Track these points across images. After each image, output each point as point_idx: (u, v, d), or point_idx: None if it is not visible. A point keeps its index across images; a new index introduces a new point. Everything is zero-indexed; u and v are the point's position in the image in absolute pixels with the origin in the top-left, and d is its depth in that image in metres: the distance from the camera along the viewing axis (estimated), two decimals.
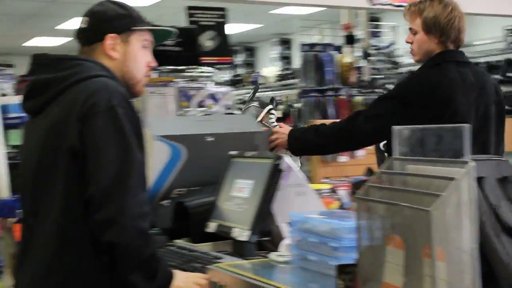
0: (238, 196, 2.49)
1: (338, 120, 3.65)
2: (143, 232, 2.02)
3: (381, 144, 3.72)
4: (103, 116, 2.03)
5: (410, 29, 3.33)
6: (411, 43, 3.35)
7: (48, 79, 2.19)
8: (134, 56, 2.30)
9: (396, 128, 1.76)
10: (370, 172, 2.82)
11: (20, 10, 10.85)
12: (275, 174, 2.39)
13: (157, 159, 2.81)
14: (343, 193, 3.22)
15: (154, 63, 2.37)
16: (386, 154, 3.68)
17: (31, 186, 2.17)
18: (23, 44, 14.70)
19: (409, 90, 3.28)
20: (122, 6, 2.31)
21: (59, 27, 12.14)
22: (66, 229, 2.07)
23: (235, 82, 10.33)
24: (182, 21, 6.86)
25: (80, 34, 2.30)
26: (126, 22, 2.29)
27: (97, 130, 2.03)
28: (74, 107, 2.06)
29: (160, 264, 2.07)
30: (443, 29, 3.26)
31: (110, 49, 2.25)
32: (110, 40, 2.25)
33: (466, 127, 1.53)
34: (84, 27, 2.28)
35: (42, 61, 2.25)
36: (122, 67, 2.28)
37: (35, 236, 2.13)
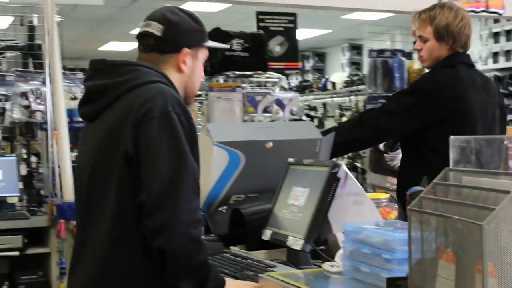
0: (294, 204, 2.46)
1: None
2: (194, 239, 2.01)
3: (381, 145, 3.83)
4: (158, 122, 2.04)
5: (420, 36, 3.48)
6: (420, 50, 3.49)
7: (105, 85, 2.20)
8: (198, 70, 2.35)
9: (452, 137, 1.70)
10: (427, 181, 2.75)
11: (96, 15, 11.07)
12: (332, 182, 2.35)
13: (215, 165, 2.81)
14: None
15: (203, 75, 2.43)
16: (386, 155, 3.70)
17: (85, 191, 2.19)
18: (99, 49, 15.01)
19: (424, 88, 3.39)
20: (195, 19, 2.33)
21: (133, 32, 12.36)
22: (119, 234, 2.08)
23: (303, 88, 10.28)
24: (252, 27, 6.89)
25: (150, 40, 2.27)
26: (200, 37, 2.33)
27: (151, 136, 2.03)
28: (129, 112, 2.07)
29: (211, 272, 2.06)
30: (455, 36, 3.39)
31: (182, 62, 2.28)
32: (184, 53, 2.27)
33: None
34: (157, 34, 2.25)
35: (99, 66, 2.26)
36: (188, 81, 2.32)
37: (89, 240, 2.15)
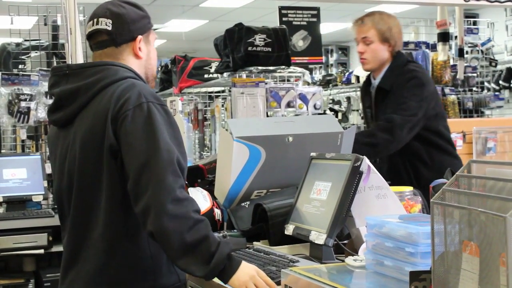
0: (317, 199, 2.44)
1: None
2: (177, 216, 2.02)
3: None
4: (132, 112, 2.11)
5: (363, 38, 3.88)
6: (363, 52, 3.90)
7: (77, 88, 2.25)
8: (154, 54, 2.43)
9: (475, 128, 1.67)
10: (451, 173, 2.71)
11: None
12: (354, 176, 2.32)
13: (236, 161, 2.80)
14: None
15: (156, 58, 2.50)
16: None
17: (76, 191, 2.23)
18: None
19: (428, 84, 3.83)
20: (138, 6, 2.40)
21: (157, 29, 12.41)
22: (118, 227, 2.16)
23: (327, 82, 10.23)
24: (275, 22, 6.87)
25: (103, 36, 2.33)
26: (147, 22, 2.40)
27: (127, 126, 2.11)
28: (107, 110, 2.14)
29: (218, 250, 2.05)
30: (396, 38, 3.87)
31: (138, 49, 2.35)
32: (138, 41, 2.35)
33: None
34: (109, 29, 2.31)
35: (63, 72, 2.30)
36: (146, 65, 2.40)
37: (87, 236, 2.20)
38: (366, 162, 2.36)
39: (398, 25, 3.96)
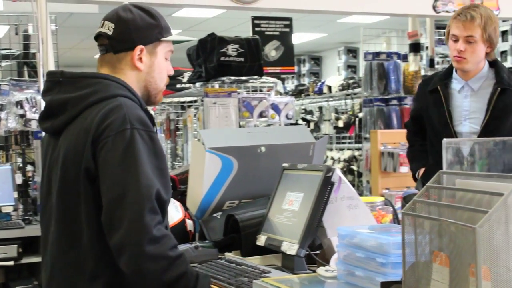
0: (289, 209, 2.44)
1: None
2: (153, 257, 1.93)
3: None
4: (113, 139, 1.98)
5: (468, 37, 3.52)
6: (464, 51, 3.55)
7: (65, 100, 2.14)
8: (159, 67, 2.25)
9: (445, 140, 1.69)
10: (422, 184, 2.74)
11: (91, 23, 11.00)
12: (326, 186, 2.33)
13: (208, 171, 2.79)
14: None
15: (172, 72, 2.32)
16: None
17: (57, 206, 2.12)
18: (95, 56, 14.96)
19: None
20: (151, 14, 2.23)
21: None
22: (98, 253, 2.04)
23: (299, 92, 10.27)
24: (248, 32, 6.88)
25: (105, 41, 2.20)
26: (155, 33, 2.22)
27: (106, 154, 1.98)
28: (89, 130, 2.02)
29: (198, 282, 2.02)
30: (497, 39, 3.61)
31: (137, 60, 2.19)
32: (138, 51, 2.19)
33: None
34: (109, 34, 2.18)
35: (57, 79, 2.19)
36: (147, 78, 2.23)
37: (62, 260, 2.11)
38: (337, 173, 2.37)
39: (498, 25, 3.68)
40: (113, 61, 2.20)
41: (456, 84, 3.70)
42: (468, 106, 3.65)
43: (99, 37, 2.23)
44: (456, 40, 3.55)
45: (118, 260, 1.95)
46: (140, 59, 2.20)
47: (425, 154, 3.79)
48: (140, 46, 2.19)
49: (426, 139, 3.84)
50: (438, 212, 1.54)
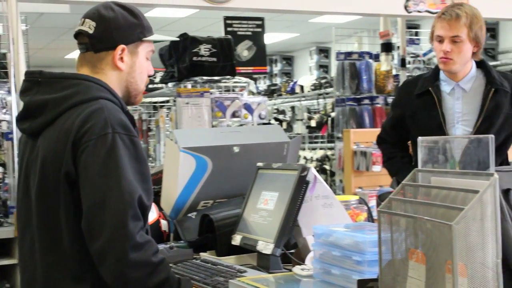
0: (264, 209, 2.44)
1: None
2: (137, 264, 1.90)
3: None
4: (94, 144, 1.94)
5: (454, 37, 3.35)
6: (450, 52, 3.39)
7: (44, 101, 2.08)
8: (140, 67, 2.21)
9: (420, 138, 1.69)
10: (397, 183, 2.75)
11: (62, 23, 10.97)
12: (301, 185, 2.33)
13: (182, 171, 2.78)
14: (375, 203, 3.17)
15: (152, 72, 2.28)
16: None
17: (36, 215, 2.07)
18: (66, 57, 14.89)
19: None
20: (133, 13, 2.18)
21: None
22: (79, 256, 2.00)
23: (271, 92, 10.29)
24: (220, 32, 6.87)
25: (85, 39, 2.15)
26: (137, 32, 2.17)
27: (87, 159, 1.94)
28: (69, 133, 1.97)
29: (181, 287, 2.00)
30: (484, 39, 3.43)
31: (118, 59, 2.15)
32: (120, 51, 2.14)
33: (491, 138, 1.47)
34: (89, 32, 2.13)
35: (35, 78, 2.13)
36: (128, 78, 2.19)
37: (45, 262, 2.06)
38: (312, 171, 2.38)
39: (484, 23, 3.49)
40: (93, 61, 2.15)
41: (445, 86, 3.55)
42: (461, 108, 3.51)
43: (79, 35, 2.18)
44: (441, 41, 3.41)
45: (99, 267, 1.92)
46: (121, 58, 2.15)
47: (410, 166, 3.52)
48: (122, 46, 2.14)
49: (406, 150, 3.70)
50: (413, 209, 1.55)
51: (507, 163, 3.51)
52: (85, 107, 2.01)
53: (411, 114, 3.57)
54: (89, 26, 2.13)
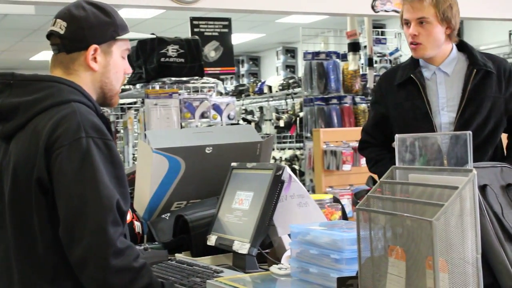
0: (239, 209, 2.44)
1: None
2: (121, 269, 1.88)
3: None
4: (68, 149, 1.90)
5: (420, 18, 3.11)
6: (417, 35, 3.14)
7: (16, 104, 2.03)
8: (115, 66, 2.15)
9: (398, 136, 1.70)
10: (372, 181, 2.77)
11: (27, 24, 10.86)
12: (276, 185, 2.33)
13: (155, 172, 2.76)
14: (346, 202, 3.18)
15: (130, 70, 2.23)
16: None
17: (8, 221, 2.03)
18: (30, 59, 14.74)
19: None
20: (105, 11, 2.13)
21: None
22: (52, 264, 1.97)
23: (239, 92, 10.29)
24: (187, 32, 6.86)
25: (57, 40, 2.10)
26: (110, 31, 2.12)
27: (62, 165, 1.89)
28: (41, 138, 1.93)
29: None
30: (457, 19, 3.16)
31: (91, 60, 2.10)
32: (92, 51, 2.09)
33: (469, 134, 1.48)
34: (60, 33, 2.08)
35: (7, 81, 2.08)
36: (102, 79, 2.14)
37: (21, 266, 2.01)
38: (287, 171, 2.38)
39: (457, 3, 3.21)
40: (66, 62, 2.11)
41: (425, 72, 3.26)
42: (445, 93, 3.22)
43: (51, 36, 2.13)
44: (408, 25, 3.16)
45: (80, 274, 1.89)
46: (95, 59, 2.10)
47: None
48: (94, 46, 2.09)
49: (393, 150, 3.39)
50: (392, 206, 1.56)
51: (502, 152, 3.26)
52: (57, 110, 1.97)
53: (394, 106, 3.33)
54: (60, 27, 2.09)
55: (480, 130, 3.14)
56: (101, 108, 2.17)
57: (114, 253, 1.86)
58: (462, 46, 3.26)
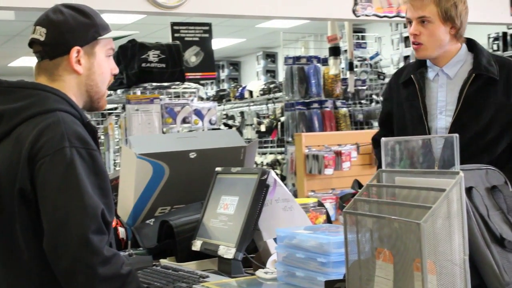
0: (224, 213, 2.43)
1: None
2: (108, 278, 1.86)
3: None
4: (51, 159, 1.87)
5: (421, 17, 2.95)
6: (418, 35, 2.99)
7: (0, 112, 2.00)
8: (99, 68, 2.13)
9: (384, 139, 1.70)
10: (357, 184, 2.77)
11: (6, 30, 10.79)
12: (261, 189, 2.33)
13: (139, 178, 2.75)
14: (329, 205, 3.18)
15: (116, 70, 2.20)
16: None
17: None
18: (9, 64, 14.64)
19: None
20: (84, 12, 2.10)
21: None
22: (38, 277, 1.95)
23: (220, 97, 10.29)
24: (168, 37, 6.84)
25: (38, 47, 2.08)
26: (91, 32, 2.09)
27: (45, 175, 1.87)
28: (24, 147, 1.90)
29: None
30: (463, 18, 2.98)
31: (75, 63, 2.07)
32: (75, 53, 2.06)
33: (455, 137, 1.49)
34: (41, 40, 2.05)
35: None
36: (87, 82, 2.11)
37: (4, 272, 2.00)
38: (272, 175, 2.38)
39: (465, 1, 3.00)
40: (50, 68, 2.08)
41: (430, 72, 3.11)
42: (444, 97, 3.05)
43: (32, 44, 2.10)
44: (411, 24, 3.00)
45: (68, 286, 1.87)
46: (78, 61, 2.08)
47: None
48: (76, 48, 2.06)
49: None
50: (378, 209, 1.56)
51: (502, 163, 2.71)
52: (42, 119, 1.94)
53: (396, 105, 3.21)
54: (40, 33, 2.06)
55: (478, 138, 2.96)
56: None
57: (101, 262, 1.85)
58: (471, 47, 3.09)
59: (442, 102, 3.05)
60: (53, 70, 2.08)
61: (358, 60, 8.23)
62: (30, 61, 13.82)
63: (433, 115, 3.05)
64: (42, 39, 2.06)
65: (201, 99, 6.91)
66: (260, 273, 2.15)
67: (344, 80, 7.79)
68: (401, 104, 3.17)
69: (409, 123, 3.11)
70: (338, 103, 7.74)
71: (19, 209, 1.92)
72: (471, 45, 3.08)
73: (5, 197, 1.94)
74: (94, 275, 1.84)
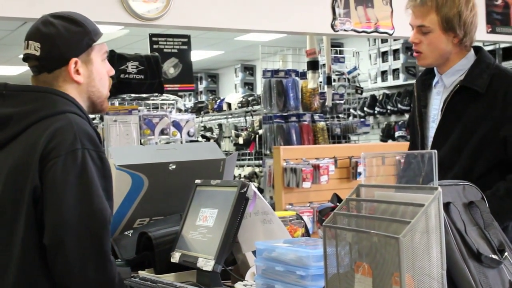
0: (203, 225, 2.44)
1: None
2: (107, 282, 1.93)
3: None
4: (63, 160, 1.91)
5: (420, 26, 2.87)
6: (417, 43, 2.90)
7: (9, 114, 2.02)
8: (98, 73, 2.15)
9: (364, 154, 1.72)
10: (336, 198, 2.79)
11: None
12: (241, 202, 2.34)
13: (118, 189, 2.74)
14: (307, 219, 3.20)
15: (112, 71, 2.23)
16: None
17: None
18: None
19: None
20: (75, 21, 2.11)
21: (22, 55, 11.97)
22: (29, 280, 1.96)
23: (198, 109, 10.29)
24: (146, 48, 6.84)
25: (34, 62, 2.09)
26: (85, 40, 2.11)
27: (56, 175, 1.90)
28: (36, 148, 1.93)
29: None
30: (468, 28, 2.85)
31: (74, 73, 2.09)
32: (73, 64, 2.08)
33: (434, 153, 1.51)
34: (36, 54, 2.06)
35: (0, 91, 2.08)
36: (88, 89, 2.14)
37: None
38: (252, 188, 2.39)
39: (473, 8, 2.87)
40: (49, 80, 2.09)
41: (436, 79, 3.03)
42: (438, 105, 2.97)
43: (27, 59, 2.11)
44: (413, 30, 2.93)
45: (65, 283, 1.89)
46: (77, 71, 2.09)
47: None
48: (74, 59, 2.08)
49: None
50: (358, 223, 1.58)
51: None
52: (52, 121, 1.97)
53: (412, 109, 3.14)
54: (35, 48, 2.07)
55: (455, 152, 2.84)
56: None
57: (104, 265, 1.93)
58: (476, 56, 2.96)
59: (435, 110, 2.97)
60: (53, 82, 2.10)
61: (336, 75, 8.28)
62: (5, 70, 13.75)
63: (429, 123, 2.99)
64: (37, 54, 2.06)
65: (179, 110, 6.90)
66: (239, 285, 2.16)
67: (322, 94, 7.83)
68: (412, 109, 3.12)
69: (413, 129, 3.07)
70: (316, 117, 7.78)
71: (27, 207, 1.93)
72: (476, 54, 2.96)
73: (12, 197, 1.96)
74: (97, 279, 1.91)
